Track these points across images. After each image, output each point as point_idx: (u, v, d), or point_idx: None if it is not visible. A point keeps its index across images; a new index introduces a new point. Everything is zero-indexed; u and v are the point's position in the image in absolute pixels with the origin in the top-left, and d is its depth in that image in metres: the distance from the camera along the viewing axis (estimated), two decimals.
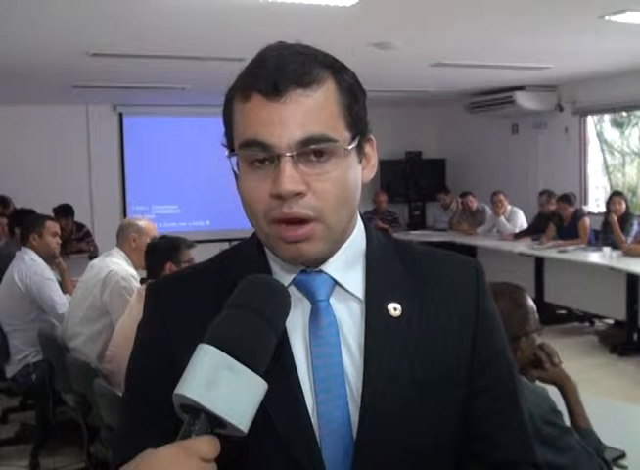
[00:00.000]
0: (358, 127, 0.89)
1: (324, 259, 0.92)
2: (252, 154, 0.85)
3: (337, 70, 0.88)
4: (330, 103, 0.85)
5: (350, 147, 0.87)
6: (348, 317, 0.93)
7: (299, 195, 0.84)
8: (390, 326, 0.91)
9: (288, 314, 0.82)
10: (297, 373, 0.89)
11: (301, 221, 0.85)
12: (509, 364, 0.99)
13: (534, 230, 7.87)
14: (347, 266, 0.94)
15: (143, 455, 0.71)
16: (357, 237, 0.96)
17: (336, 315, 0.92)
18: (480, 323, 0.96)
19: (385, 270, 0.95)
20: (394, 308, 0.92)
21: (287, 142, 0.83)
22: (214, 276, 0.94)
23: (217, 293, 0.86)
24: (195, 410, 0.72)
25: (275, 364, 0.82)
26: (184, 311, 0.93)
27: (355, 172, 0.90)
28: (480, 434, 0.95)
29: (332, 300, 0.93)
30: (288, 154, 0.83)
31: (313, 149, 0.84)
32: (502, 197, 8.33)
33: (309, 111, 0.83)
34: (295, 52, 0.87)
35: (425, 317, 0.93)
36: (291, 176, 0.83)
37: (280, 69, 0.84)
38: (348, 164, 0.87)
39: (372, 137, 0.94)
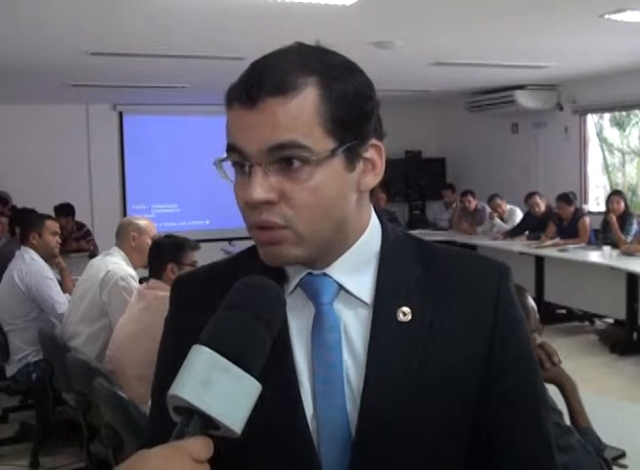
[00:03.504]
0: (350, 134, 0.86)
1: (321, 259, 0.91)
2: (234, 159, 0.87)
3: (328, 77, 0.85)
4: (306, 111, 0.83)
5: (325, 155, 0.84)
6: (355, 321, 0.92)
7: (269, 203, 0.84)
8: (398, 331, 0.90)
9: (283, 315, 0.82)
10: (297, 376, 0.89)
11: (270, 228, 0.86)
12: (531, 373, 0.96)
13: (520, 231, 7.91)
14: (355, 270, 0.93)
15: (136, 455, 0.71)
16: (369, 239, 0.94)
17: (342, 319, 0.91)
18: (498, 329, 0.93)
19: (399, 272, 0.93)
20: (404, 313, 0.91)
21: (257, 149, 0.83)
22: (233, 273, 0.93)
23: None
24: (188, 411, 0.72)
25: (273, 366, 0.82)
26: (203, 307, 0.93)
27: (340, 181, 0.87)
28: (496, 444, 0.93)
29: (338, 304, 0.92)
30: (259, 162, 0.84)
31: (283, 156, 0.83)
32: (499, 201, 8.35)
33: (281, 119, 0.83)
34: (283, 59, 0.86)
35: (437, 321, 0.91)
36: (260, 185, 0.83)
37: (258, 78, 0.84)
38: (328, 172, 0.85)
39: (378, 143, 0.91)
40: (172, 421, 0.74)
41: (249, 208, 0.86)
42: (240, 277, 0.83)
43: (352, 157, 0.87)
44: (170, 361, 0.90)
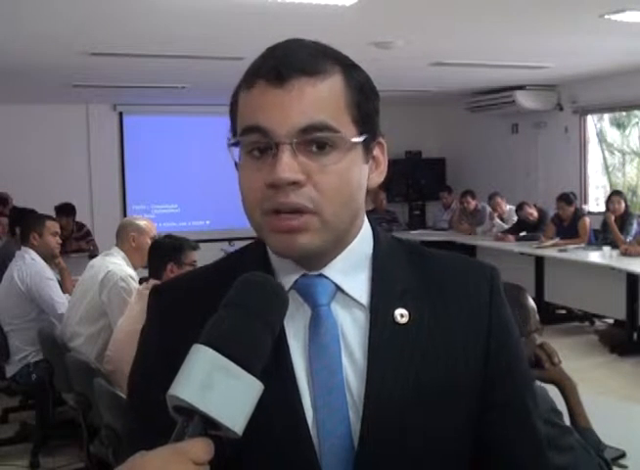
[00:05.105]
0: (366, 125, 0.86)
1: (319, 259, 0.88)
2: (253, 140, 0.83)
3: (347, 66, 0.86)
4: (335, 95, 0.83)
5: (354, 140, 0.84)
6: (352, 324, 0.89)
7: (296, 184, 0.81)
8: (396, 333, 0.88)
9: (284, 314, 0.80)
10: (295, 381, 0.86)
11: (297, 211, 0.82)
12: (524, 378, 0.96)
13: (513, 232, 7.92)
14: (351, 271, 0.90)
15: (135, 457, 0.69)
16: (363, 241, 0.93)
17: (338, 322, 0.89)
18: (492, 334, 0.92)
19: (393, 275, 0.92)
20: (401, 315, 0.89)
21: (287, 129, 0.81)
22: (219, 277, 0.91)
23: (221, 294, 0.82)
24: (189, 412, 0.71)
25: (273, 367, 0.80)
26: (187, 313, 0.90)
27: (359, 171, 0.86)
28: (491, 450, 0.92)
29: (335, 305, 0.89)
30: (287, 142, 0.80)
31: (314, 138, 0.81)
32: (499, 200, 8.34)
33: (312, 99, 0.81)
34: (304, 45, 0.86)
35: (434, 324, 0.90)
36: (288, 165, 0.80)
37: (286, 57, 0.82)
38: (352, 159, 0.84)
39: (382, 141, 0.91)
40: (158, 435, 0.72)
41: (270, 191, 0.82)
42: (223, 284, 0.80)
43: (367, 149, 0.88)
44: (151, 373, 0.88)
